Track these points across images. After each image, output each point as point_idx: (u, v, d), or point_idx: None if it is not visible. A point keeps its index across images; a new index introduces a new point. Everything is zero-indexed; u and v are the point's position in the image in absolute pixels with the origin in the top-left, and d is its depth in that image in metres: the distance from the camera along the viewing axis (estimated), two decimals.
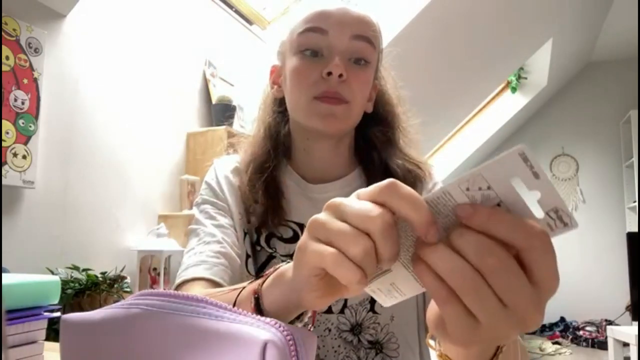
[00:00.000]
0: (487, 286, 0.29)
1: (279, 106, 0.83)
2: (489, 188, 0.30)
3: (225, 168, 0.85)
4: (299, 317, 0.45)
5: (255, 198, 0.78)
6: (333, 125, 0.73)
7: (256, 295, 0.45)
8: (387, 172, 0.80)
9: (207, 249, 0.73)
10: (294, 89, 0.75)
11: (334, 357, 0.77)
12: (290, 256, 0.77)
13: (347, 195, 0.80)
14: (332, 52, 0.72)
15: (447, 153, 5.45)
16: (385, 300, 0.37)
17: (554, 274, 0.30)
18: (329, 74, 0.70)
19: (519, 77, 5.02)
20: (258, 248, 0.79)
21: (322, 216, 0.35)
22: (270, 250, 0.78)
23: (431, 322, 0.36)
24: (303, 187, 0.81)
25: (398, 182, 0.33)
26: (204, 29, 2.57)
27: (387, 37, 3.02)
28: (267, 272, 0.46)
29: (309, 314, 0.45)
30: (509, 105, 5.19)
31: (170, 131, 2.35)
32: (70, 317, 0.38)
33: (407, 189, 0.33)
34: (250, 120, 2.74)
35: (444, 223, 0.32)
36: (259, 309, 0.45)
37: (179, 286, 0.71)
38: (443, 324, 0.33)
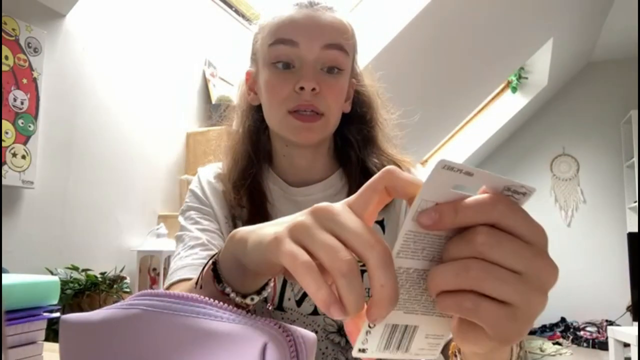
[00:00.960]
0: (498, 266, 0.29)
1: (257, 112, 0.82)
2: (436, 204, 0.30)
3: (209, 175, 0.84)
4: (259, 293, 0.44)
5: (241, 204, 0.78)
6: (309, 139, 0.74)
7: (214, 260, 0.43)
8: (365, 172, 0.79)
9: (192, 252, 0.73)
10: (268, 102, 0.75)
11: (321, 359, 0.77)
12: None
13: (329, 196, 0.80)
14: (303, 64, 0.71)
15: (447, 153, 5.45)
16: (434, 353, 0.36)
17: (534, 225, 0.30)
18: (302, 88, 0.70)
19: (519, 77, 5.02)
20: None
21: (308, 220, 0.33)
22: None
23: (458, 335, 0.34)
24: (286, 190, 0.81)
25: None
26: (203, 28, 2.57)
27: (387, 37, 3.03)
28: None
29: (269, 288, 0.44)
30: (509, 105, 5.19)
31: (170, 131, 2.35)
32: (69, 318, 0.38)
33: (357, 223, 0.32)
34: None
35: (428, 253, 0.32)
36: (217, 277, 0.44)
37: (169, 288, 0.70)
38: (472, 331, 0.32)
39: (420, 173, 0.84)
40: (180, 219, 0.82)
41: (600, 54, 5.28)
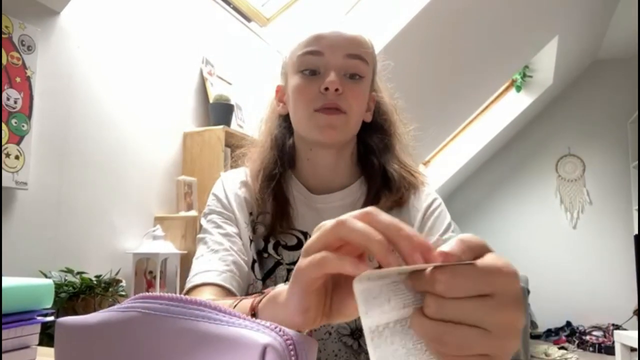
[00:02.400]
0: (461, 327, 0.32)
1: (284, 121, 0.92)
2: (374, 298, 0.33)
3: (233, 181, 0.92)
4: None
5: (265, 206, 0.87)
6: (332, 136, 0.82)
7: (253, 312, 0.46)
8: (385, 177, 0.88)
9: (215, 257, 0.79)
10: (296, 104, 0.84)
11: None
12: (294, 263, 0.84)
13: (348, 205, 0.87)
14: (328, 70, 0.82)
15: (450, 153, 5.45)
16: None
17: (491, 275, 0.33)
18: (327, 89, 0.80)
19: (524, 76, 5.03)
20: (265, 255, 0.86)
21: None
22: (277, 257, 0.85)
23: None
24: (307, 197, 0.89)
25: (349, 219, 0.36)
26: (201, 26, 2.57)
27: (388, 35, 3.02)
28: (265, 290, 0.48)
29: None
30: (513, 105, 5.19)
31: (167, 131, 2.35)
32: (65, 321, 0.39)
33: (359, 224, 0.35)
34: (248, 120, 2.74)
35: (397, 302, 0.34)
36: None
37: (189, 291, 0.75)
38: None
39: (431, 190, 0.92)
40: (203, 221, 0.88)
41: (607, 52, 5.28)
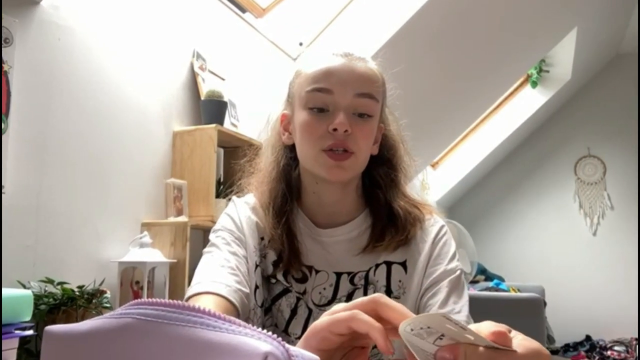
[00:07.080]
0: None
1: (290, 151, 0.97)
2: (429, 327, 0.39)
3: (245, 206, 0.98)
4: None
5: (280, 241, 0.91)
6: (339, 176, 0.87)
7: None
8: (390, 214, 0.93)
9: (222, 272, 0.83)
10: (303, 141, 0.89)
11: None
12: (302, 293, 0.91)
13: (353, 238, 0.94)
14: (337, 108, 0.86)
15: (460, 154, 5.45)
16: None
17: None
18: (335, 129, 0.84)
19: (540, 70, 5.03)
20: (273, 281, 0.92)
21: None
22: (287, 284, 0.91)
23: None
24: (313, 231, 0.94)
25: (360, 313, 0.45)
26: (191, 17, 2.57)
27: (393, 27, 3.02)
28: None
29: None
30: (528, 101, 5.20)
31: (155, 130, 2.35)
32: (54, 329, 0.39)
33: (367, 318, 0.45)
34: (243, 118, 2.75)
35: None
36: None
37: (191, 298, 0.78)
38: None
39: (439, 220, 0.98)
40: (212, 236, 0.94)
41: (630, 45, 5.29)
